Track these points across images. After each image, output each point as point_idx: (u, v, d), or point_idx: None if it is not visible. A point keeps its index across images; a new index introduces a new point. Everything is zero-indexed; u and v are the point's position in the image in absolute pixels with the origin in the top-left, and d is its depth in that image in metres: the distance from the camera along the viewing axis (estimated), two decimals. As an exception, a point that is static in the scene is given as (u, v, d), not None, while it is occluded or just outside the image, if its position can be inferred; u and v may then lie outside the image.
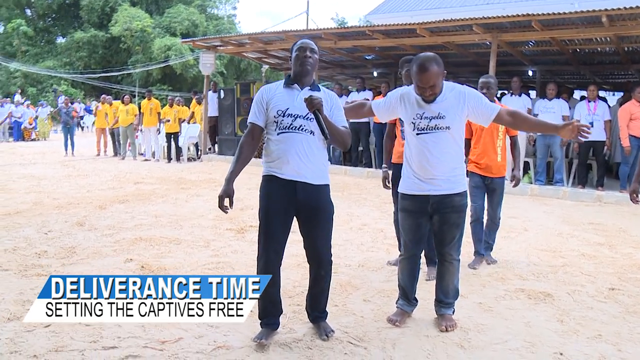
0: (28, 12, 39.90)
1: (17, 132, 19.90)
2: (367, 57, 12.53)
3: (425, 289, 3.85)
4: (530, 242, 5.57)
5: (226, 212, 3.02)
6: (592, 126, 7.91)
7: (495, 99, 4.80)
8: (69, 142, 14.35)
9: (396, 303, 3.49)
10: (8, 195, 7.98)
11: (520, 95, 8.89)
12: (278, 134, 3.00)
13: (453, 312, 3.40)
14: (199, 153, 13.91)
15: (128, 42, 34.95)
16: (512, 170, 4.79)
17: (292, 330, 3.27)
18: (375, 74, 13.70)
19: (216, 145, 13.65)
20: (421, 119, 3.16)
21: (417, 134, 3.19)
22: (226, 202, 2.99)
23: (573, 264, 4.75)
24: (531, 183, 8.92)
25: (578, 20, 8.18)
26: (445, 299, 3.38)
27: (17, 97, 27.57)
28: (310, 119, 2.97)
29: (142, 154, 14.31)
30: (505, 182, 4.80)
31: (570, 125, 2.98)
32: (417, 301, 3.49)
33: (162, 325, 3.31)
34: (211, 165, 12.50)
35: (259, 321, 3.15)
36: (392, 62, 12.50)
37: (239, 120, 12.49)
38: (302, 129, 2.97)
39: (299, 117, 2.98)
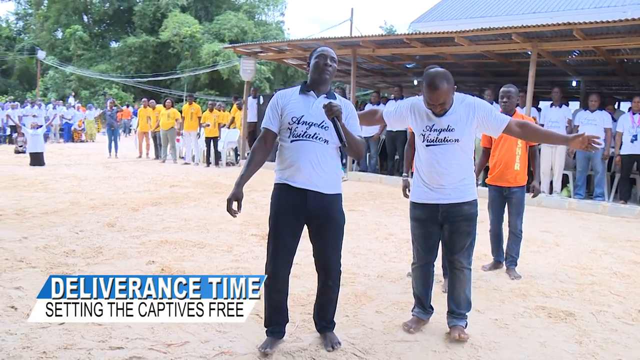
0: (85, 18, 41.53)
1: (67, 133, 20.73)
2: (407, 66, 12.42)
3: (439, 302, 3.76)
4: (560, 257, 5.36)
5: (234, 216, 3.02)
6: (636, 139, 7.61)
7: (517, 108, 4.71)
8: (112, 144, 14.80)
9: (412, 311, 3.51)
10: (49, 195, 8.30)
11: (560, 107, 8.62)
12: (291, 142, 2.97)
13: (466, 326, 3.36)
14: (238, 158, 14.10)
15: (177, 47, 35.87)
16: (532, 180, 4.66)
17: (298, 339, 3.25)
18: (415, 82, 13.56)
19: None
20: (430, 131, 3.19)
21: (427, 146, 3.22)
22: (234, 205, 2.98)
23: (603, 283, 4.54)
24: (570, 197, 8.60)
25: (624, 29, 7.85)
26: (457, 309, 3.36)
27: (71, 100, 28.81)
28: (325, 127, 2.96)
29: (182, 158, 14.62)
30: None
31: (580, 137, 2.97)
32: (432, 309, 3.50)
33: (171, 329, 3.36)
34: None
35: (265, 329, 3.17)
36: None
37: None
38: (317, 137, 2.95)
39: (314, 124, 2.96)
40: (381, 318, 3.61)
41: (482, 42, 9.10)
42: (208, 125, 12.95)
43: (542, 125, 8.49)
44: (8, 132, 18.54)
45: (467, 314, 3.39)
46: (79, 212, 7.01)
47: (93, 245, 5.33)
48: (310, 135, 2.95)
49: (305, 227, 3.07)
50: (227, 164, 13.79)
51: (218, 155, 13.43)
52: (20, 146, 15.42)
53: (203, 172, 12.09)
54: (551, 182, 8.62)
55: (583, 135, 2.99)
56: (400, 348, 3.16)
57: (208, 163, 13.40)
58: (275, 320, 3.12)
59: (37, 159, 12.39)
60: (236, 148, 14.20)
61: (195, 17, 38.51)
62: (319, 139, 2.95)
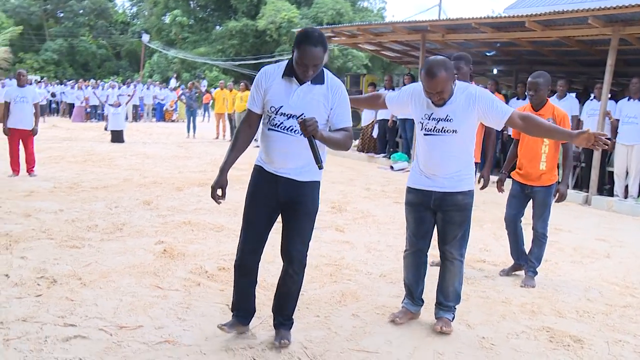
0: (191, 4, 43.43)
1: (159, 113, 21.86)
2: (487, 54, 11.64)
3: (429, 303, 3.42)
4: (603, 271, 4.71)
5: (219, 203, 2.98)
6: None
7: (557, 101, 4.30)
8: (191, 124, 15.34)
9: (402, 302, 3.46)
10: (110, 171, 8.73)
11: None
12: (268, 129, 2.88)
13: (453, 319, 3.30)
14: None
15: (273, 35, 36.50)
16: (559, 182, 4.27)
17: (252, 335, 3.08)
18: (495, 71, 12.69)
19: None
20: (429, 119, 3.13)
21: (425, 135, 3.18)
22: (219, 192, 2.94)
23: (641, 307, 3.92)
24: (649, 203, 7.62)
25: None
26: (444, 301, 3.30)
27: (172, 82, 30.32)
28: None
29: (255, 140, 14.81)
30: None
31: (585, 134, 2.85)
32: (423, 302, 3.42)
33: (135, 311, 3.34)
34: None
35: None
36: (513, 60, 11.49)
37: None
38: (292, 130, 2.80)
39: (292, 117, 2.80)
40: (354, 322, 3.34)
41: (556, 27, 8.22)
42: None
43: (618, 120, 7.57)
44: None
45: (455, 306, 3.33)
46: (125, 188, 7.28)
47: (118, 221, 5.48)
48: (286, 127, 2.82)
49: None
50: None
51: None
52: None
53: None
54: (627, 186, 7.67)
55: (588, 131, 2.84)
56: (354, 359, 2.89)
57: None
58: (242, 306, 3.05)
59: (117, 136, 13.13)
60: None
61: (295, 2, 38.86)
62: (295, 132, 2.79)
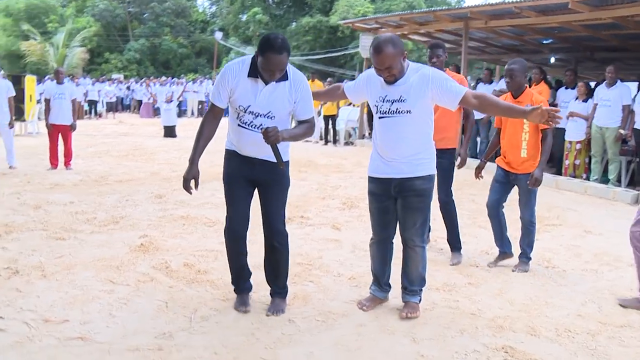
0: (268, 0, 44.19)
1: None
2: (543, 42, 10.78)
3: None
4: (617, 282, 4.06)
5: (190, 193, 3.15)
6: None
7: (527, 86, 4.15)
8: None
9: (369, 288, 3.49)
10: (143, 165, 8.96)
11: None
12: (238, 125, 3.09)
13: (420, 301, 3.35)
14: (351, 138, 13.76)
15: (345, 30, 36.26)
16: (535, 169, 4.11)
17: (167, 334, 2.93)
18: (552, 60, 11.74)
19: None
20: (383, 102, 3.13)
21: (380, 118, 3.17)
22: (191, 183, 3.10)
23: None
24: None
25: None
26: (409, 286, 3.33)
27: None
28: (271, 117, 3.03)
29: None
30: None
31: (539, 109, 2.79)
32: (390, 287, 3.47)
33: (74, 304, 3.32)
34: (360, 151, 12.21)
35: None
36: (571, 47, 10.57)
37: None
38: (262, 127, 2.96)
39: (260, 115, 3.03)
40: (285, 329, 3.09)
41: (606, 7, 7.35)
42: (325, 102, 12.78)
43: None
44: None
45: (421, 289, 3.36)
46: (148, 182, 7.42)
47: (118, 215, 5.56)
48: (256, 125, 3.03)
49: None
50: (346, 144, 13.52)
51: (336, 134, 13.24)
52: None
53: (312, 150, 11.95)
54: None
55: (540, 107, 2.80)
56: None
57: (326, 141, 13.31)
58: (241, 276, 3.35)
59: (169, 132, 13.52)
60: (356, 128, 13.85)
61: (371, -4, 38.39)
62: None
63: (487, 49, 12.38)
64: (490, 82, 9.51)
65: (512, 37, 10.59)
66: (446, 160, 4.40)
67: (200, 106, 22.42)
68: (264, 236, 3.27)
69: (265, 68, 2.88)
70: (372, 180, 3.29)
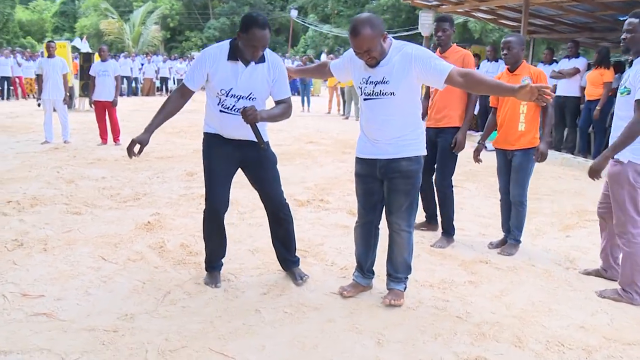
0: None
1: (294, 87, 22.38)
2: (620, 18, 9.78)
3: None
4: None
5: (130, 157, 3.10)
6: None
7: (524, 60, 4.08)
8: (305, 98, 15.45)
9: (352, 275, 3.42)
10: (190, 142, 9.13)
11: None
12: (220, 111, 3.13)
13: (404, 289, 3.27)
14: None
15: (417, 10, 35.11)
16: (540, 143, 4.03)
17: (128, 316, 2.92)
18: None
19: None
20: (367, 83, 3.03)
21: (364, 100, 3.08)
22: (136, 148, 3.06)
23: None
24: None
25: None
26: (394, 273, 3.25)
27: (323, 56, 30.86)
28: (252, 99, 3.09)
29: (343, 115, 14.59)
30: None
31: (527, 87, 2.62)
32: (373, 274, 3.41)
33: (56, 280, 3.38)
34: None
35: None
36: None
37: (449, 87, 11.37)
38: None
39: (242, 97, 3.08)
40: (248, 319, 2.99)
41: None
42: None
43: None
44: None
45: (406, 277, 3.29)
46: (186, 159, 7.55)
47: (142, 191, 5.69)
48: (238, 109, 3.04)
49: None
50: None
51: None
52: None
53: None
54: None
55: (528, 85, 2.62)
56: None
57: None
58: (216, 255, 3.44)
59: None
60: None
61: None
62: None
63: (556, 27, 11.44)
64: (551, 62, 8.77)
65: (582, 14, 9.68)
66: (445, 140, 4.17)
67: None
68: (268, 212, 3.41)
69: (249, 44, 2.94)
70: (358, 161, 3.22)
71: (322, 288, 3.44)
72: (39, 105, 8.64)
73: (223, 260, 3.52)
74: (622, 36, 3.26)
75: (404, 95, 2.97)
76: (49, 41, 8.85)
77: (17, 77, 16.41)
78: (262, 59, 3.07)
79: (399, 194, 3.10)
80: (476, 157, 4.28)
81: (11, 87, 16.58)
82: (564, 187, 6.69)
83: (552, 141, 8.94)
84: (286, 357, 2.63)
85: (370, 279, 3.38)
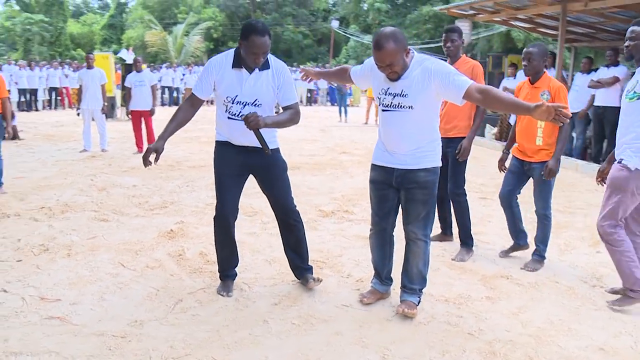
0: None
1: (332, 96, 22.48)
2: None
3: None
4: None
5: (146, 166, 3.15)
6: None
7: (546, 71, 3.98)
8: (342, 108, 15.47)
9: (371, 282, 3.45)
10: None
11: None
12: (228, 118, 3.19)
13: (419, 302, 3.23)
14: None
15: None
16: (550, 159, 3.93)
17: (136, 322, 2.97)
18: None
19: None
20: (386, 94, 3.04)
21: (383, 110, 3.10)
22: (152, 157, 3.12)
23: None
24: None
25: None
26: (409, 284, 3.23)
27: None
28: (258, 105, 3.14)
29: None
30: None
31: (543, 106, 2.56)
32: (391, 281, 3.42)
33: (74, 285, 3.48)
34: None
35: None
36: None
37: (487, 97, 11.13)
38: None
39: (248, 104, 3.13)
40: (254, 330, 2.98)
41: None
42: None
43: None
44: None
45: (421, 289, 3.25)
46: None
47: (169, 200, 5.80)
48: (244, 115, 3.02)
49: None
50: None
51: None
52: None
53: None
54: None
55: (544, 104, 2.56)
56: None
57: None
58: (228, 263, 3.46)
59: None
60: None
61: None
62: None
63: (598, 34, 11.08)
64: (589, 71, 8.48)
65: (624, 21, 9.33)
66: (455, 150, 4.18)
67: (309, 94, 22.82)
68: (278, 219, 3.45)
69: (249, 52, 2.99)
70: (374, 167, 3.23)
71: (334, 300, 3.41)
72: (78, 115, 8.94)
73: (237, 269, 3.54)
74: (625, 44, 3.25)
75: (421, 109, 2.97)
76: (88, 53, 9.19)
77: (64, 87, 17.10)
78: (266, 66, 3.12)
79: (416, 203, 3.10)
80: (501, 167, 4.23)
81: (59, 97, 17.29)
82: (600, 201, 6.41)
83: (592, 152, 8.63)
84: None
85: (389, 286, 3.41)
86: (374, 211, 3.30)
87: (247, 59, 3.04)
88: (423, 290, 3.27)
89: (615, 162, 3.30)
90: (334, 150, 10.07)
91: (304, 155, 9.28)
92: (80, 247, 4.18)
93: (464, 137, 4.18)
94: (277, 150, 3.33)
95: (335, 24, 32.74)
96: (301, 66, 3.65)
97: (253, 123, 2.92)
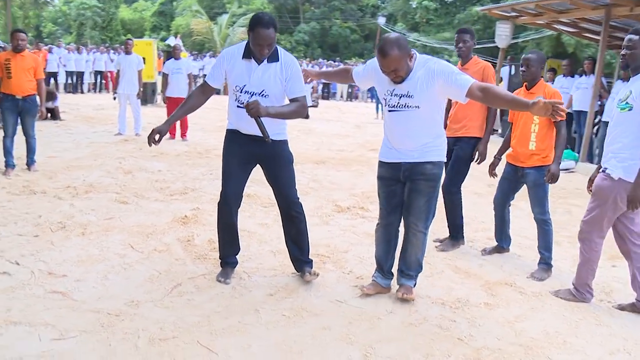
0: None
1: (373, 92, 22.33)
2: None
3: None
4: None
5: (150, 145, 3.33)
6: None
7: (542, 79, 4.06)
8: (379, 105, 15.40)
9: (372, 275, 3.52)
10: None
11: None
12: (237, 107, 3.28)
13: (414, 285, 3.41)
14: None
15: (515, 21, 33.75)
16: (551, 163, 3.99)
17: (132, 302, 3.07)
18: None
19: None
20: (392, 95, 3.14)
21: (389, 111, 3.20)
22: (156, 137, 3.28)
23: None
24: None
25: None
26: (406, 270, 3.39)
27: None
28: (265, 96, 3.22)
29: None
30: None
31: (540, 103, 2.69)
32: (392, 275, 3.50)
33: (82, 263, 3.64)
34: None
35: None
36: None
37: (525, 100, 10.86)
38: None
39: (255, 94, 3.22)
40: (245, 318, 3.04)
41: None
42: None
43: None
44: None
45: (417, 274, 3.43)
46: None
47: (191, 186, 5.93)
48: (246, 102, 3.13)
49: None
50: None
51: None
52: (314, 101, 17.58)
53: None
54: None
55: (541, 100, 2.69)
56: (191, 353, 2.66)
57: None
58: (229, 250, 3.56)
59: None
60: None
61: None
62: None
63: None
64: (628, 79, 8.14)
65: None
66: (462, 150, 4.25)
67: (350, 89, 22.76)
68: (280, 209, 3.52)
69: (255, 43, 3.10)
70: (382, 164, 3.35)
71: (330, 295, 3.43)
72: (114, 99, 9.22)
73: (241, 258, 3.64)
74: (622, 52, 3.28)
75: (427, 108, 3.09)
76: (127, 39, 9.46)
77: (109, 71, 17.65)
78: (275, 58, 3.21)
79: (419, 195, 3.21)
80: (491, 172, 4.28)
81: (103, 81, 17.85)
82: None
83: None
84: (268, 359, 2.66)
85: (390, 280, 3.48)
86: (382, 206, 3.40)
87: (254, 50, 3.15)
88: (418, 274, 3.46)
89: (600, 171, 3.37)
90: (364, 146, 10.03)
91: (333, 150, 9.29)
92: (95, 227, 4.34)
93: (472, 137, 4.24)
94: (284, 142, 3.40)
95: (381, 20, 32.46)
96: (302, 67, 3.80)
97: (254, 110, 3.00)
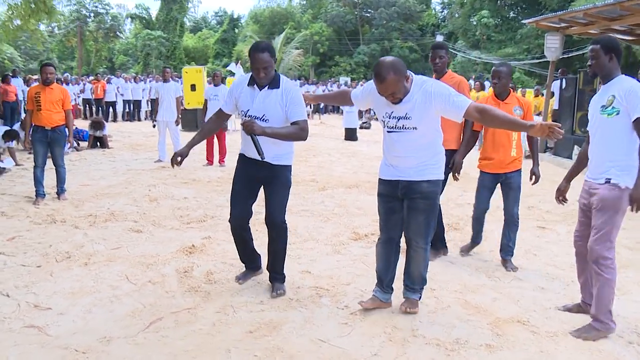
0: (498, 2, 41.80)
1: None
2: None
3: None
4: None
5: (173, 167, 3.67)
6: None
7: (511, 89, 4.35)
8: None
9: (372, 290, 3.59)
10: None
11: None
12: (242, 131, 3.45)
13: (419, 298, 3.53)
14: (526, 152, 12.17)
15: (577, 35, 32.26)
16: (532, 166, 4.37)
17: (105, 339, 2.99)
18: None
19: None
20: (390, 118, 3.22)
21: (388, 132, 3.28)
22: (178, 159, 3.59)
23: None
24: None
25: None
26: (411, 284, 3.50)
27: (470, 83, 29.89)
28: (265, 120, 3.44)
29: None
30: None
31: (538, 125, 2.81)
32: (392, 290, 3.57)
33: (72, 295, 3.61)
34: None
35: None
36: None
37: (578, 116, 10.20)
38: None
39: (257, 118, 3.45)
40: (196, 357, 2.88)
41: None
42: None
43: None
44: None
45: (422, 287, 3.53)
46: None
47: (211, 214, 5.89)
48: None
49: None
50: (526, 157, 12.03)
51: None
52: (365, 122, 17.44)
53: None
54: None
55: (539, 123, 2.82)
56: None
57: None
58: (247, 259, 3.95)
59: (350, 134, 13.84)
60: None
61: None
62: None
63: None
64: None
65: None
66: None
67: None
68: (267, 227, 3.71)
69: (253, 67, 3.37)
70: (381, 182, 3.43)
71: (314, 332, 3.21)
72: (154, 126, 9.45)
73: (255, 266, 4.01)
74: (588, 62, 3.28)
75: (424, 129, 3.17)
76: (164, 67, 9.69)
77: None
78: (276, 85, 3.46)
79: (418, 212, 3.29)
80: (455, 176, 4.41)
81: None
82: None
83: None
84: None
85: (390, 294, 3.55)
86: (382, 221, 3.48)
87: (254, 74, 3.43)
88: (423, 287, 3.56)
89: (602, 183, 3.20)
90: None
91: (370, 173, 9.03)
92: (100, 257, 4.35)
93: (449, 150, 4.14)
94: (285, 167, 3.61)
95: (439, 38, 32.01)
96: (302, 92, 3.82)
97: (248, 128, 3.26)
